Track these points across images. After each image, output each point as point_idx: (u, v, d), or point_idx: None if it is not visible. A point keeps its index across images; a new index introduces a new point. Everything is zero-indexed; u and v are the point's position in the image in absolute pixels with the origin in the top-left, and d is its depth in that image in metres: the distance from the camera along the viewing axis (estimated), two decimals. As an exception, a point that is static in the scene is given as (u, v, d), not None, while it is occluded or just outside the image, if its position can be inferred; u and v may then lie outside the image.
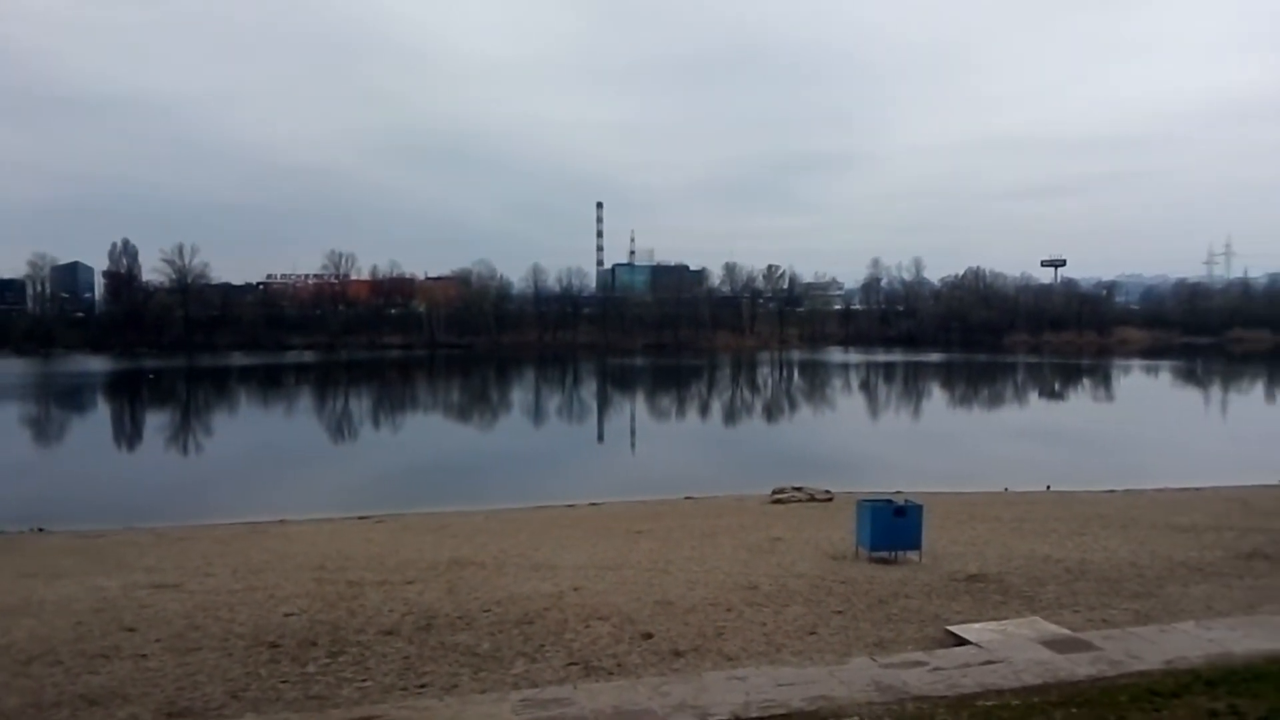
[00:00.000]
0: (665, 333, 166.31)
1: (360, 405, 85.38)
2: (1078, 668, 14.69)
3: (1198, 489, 37.29)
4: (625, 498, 35.84)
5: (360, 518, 32.05)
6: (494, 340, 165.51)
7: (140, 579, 20.91)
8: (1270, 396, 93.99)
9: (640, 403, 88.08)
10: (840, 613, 17.98)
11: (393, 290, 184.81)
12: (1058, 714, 12.67)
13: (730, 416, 75.57)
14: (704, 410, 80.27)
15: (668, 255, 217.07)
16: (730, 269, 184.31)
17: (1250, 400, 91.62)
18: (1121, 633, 16.65)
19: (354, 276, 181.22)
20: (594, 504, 34.61)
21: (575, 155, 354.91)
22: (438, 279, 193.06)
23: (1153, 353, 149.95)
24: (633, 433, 65.58)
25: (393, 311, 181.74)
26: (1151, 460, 47.19)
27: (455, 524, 29.73)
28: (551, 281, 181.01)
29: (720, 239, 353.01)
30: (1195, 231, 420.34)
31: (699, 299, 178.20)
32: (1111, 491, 37.20)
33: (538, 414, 78.11)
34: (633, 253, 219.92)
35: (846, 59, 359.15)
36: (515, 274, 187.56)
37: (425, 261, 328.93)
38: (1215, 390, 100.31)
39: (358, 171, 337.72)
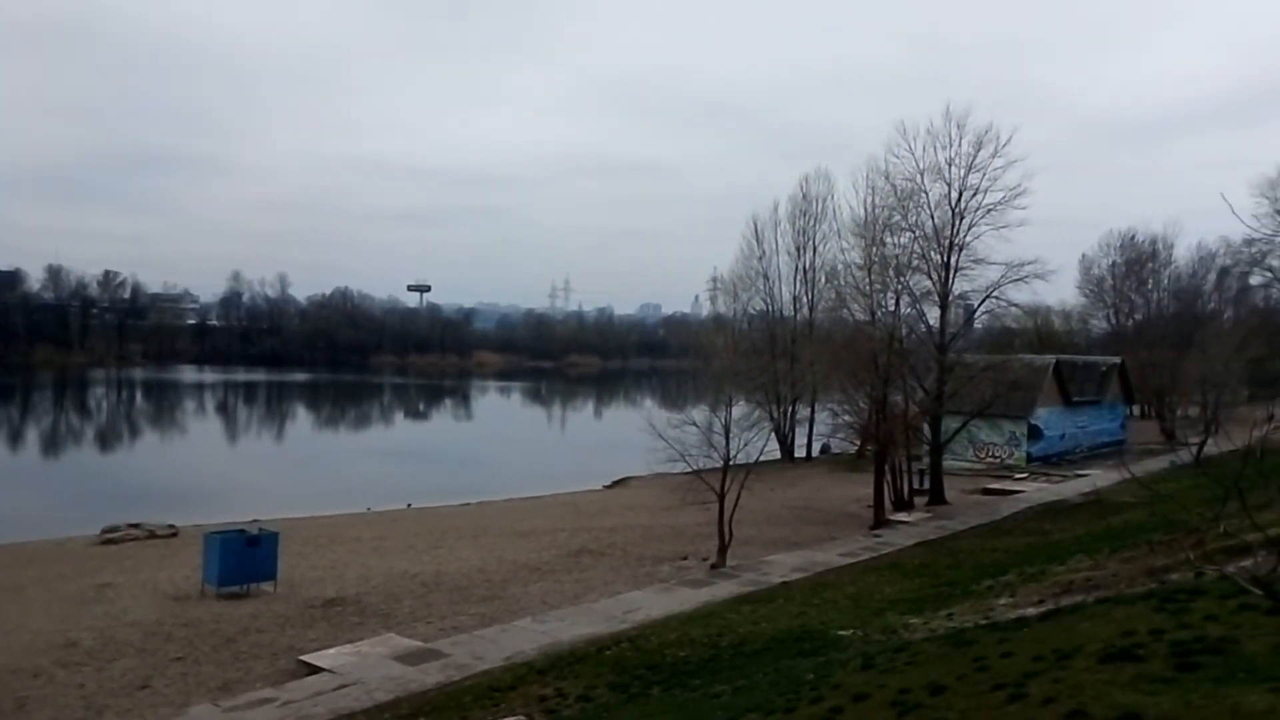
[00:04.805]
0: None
1: None
2: (428, 677, 15.13)
3: (539, 497, 42.12)
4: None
5: None
6: None
7: None
8: (597, 413, 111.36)
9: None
10: (180, 659, 16.35)
11: None
12: (409, 727, 12.82)
13: (51, 446, 64.15)
14: (15, 439, 66.84)
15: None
16: (54, 273, 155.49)
17: (582, 416, 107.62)
18: (469, 637, 17.68)
19: None
20: None
21: None
22: None
23: (506, 374, 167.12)
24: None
25: None
26: (503, 473, 51.87)
27: None
28: None
29: (40, 237, 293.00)
30: (543, 267, 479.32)
31: (11, 305, 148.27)
32: (466, 504, 40.06)
33: None
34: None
35: (204, 57, 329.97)
36: None
37: None
38: (556, 408, 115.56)
39: None
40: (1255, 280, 61.58)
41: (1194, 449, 37.35)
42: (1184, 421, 53.80)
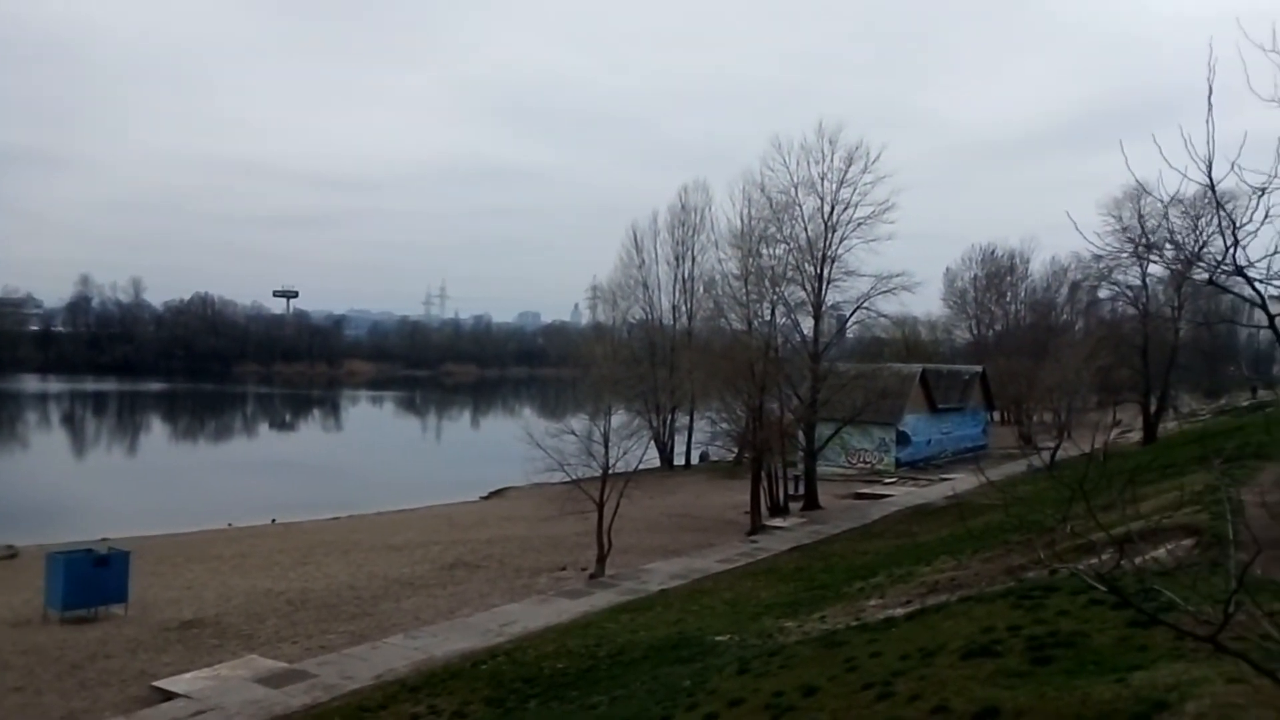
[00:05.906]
0: None
1: None
2: (293, 699, 14.46)
3: (413, 509, 41.02)
4: None
5: None
6: None
7: None
8: (475, 423, 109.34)
9: None
10: (19, 689, 15.23)
11: None
12: (271, 755, 12.22)
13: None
14: None
15: None
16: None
17: (458, 426, 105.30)
18: (338, 656, 17.01)
19: None
20: None
21: None
22: None
23: (378, 384, 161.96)
24: None
25: None
26: (374, 485, 50.20)
27: None
28: None
29: None
30: (418, 273, 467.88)
31: None
32: (335, 518, 38.68)
33: None
34: None
35: (57, 48, 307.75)
36: None
37: None
38: (431, 418, 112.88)
39: None
40: (1103, 294, 65.82)
41: (1049, 453, 39.54)
42: (1039, 426, 56.88)
